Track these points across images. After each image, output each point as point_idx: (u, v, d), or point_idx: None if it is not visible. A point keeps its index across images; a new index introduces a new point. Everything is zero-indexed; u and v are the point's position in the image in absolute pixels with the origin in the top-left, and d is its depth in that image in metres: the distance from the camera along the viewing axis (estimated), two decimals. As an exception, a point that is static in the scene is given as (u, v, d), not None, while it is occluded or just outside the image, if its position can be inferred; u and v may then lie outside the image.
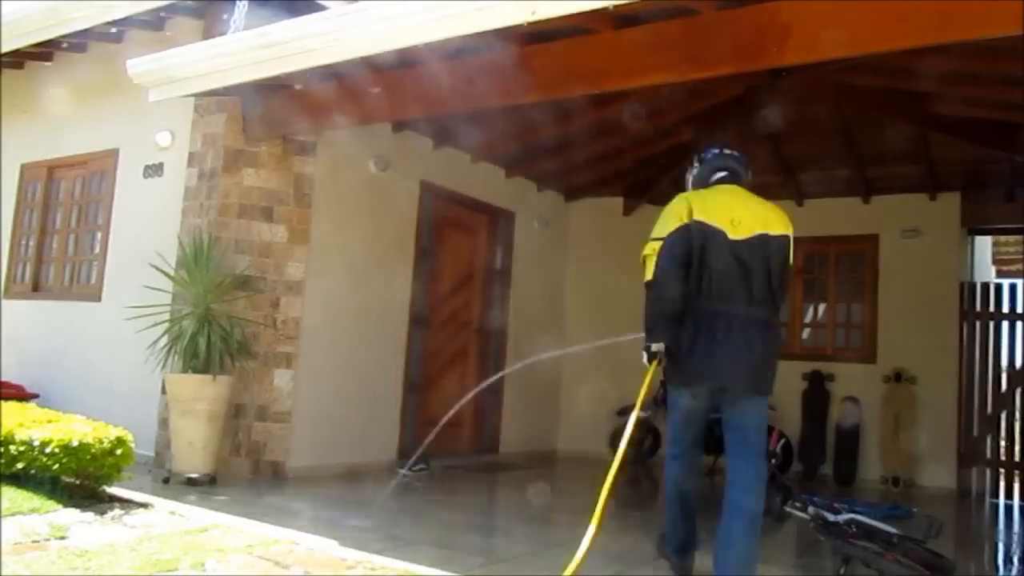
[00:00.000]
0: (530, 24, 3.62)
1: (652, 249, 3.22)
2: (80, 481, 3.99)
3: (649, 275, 3.21)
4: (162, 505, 4.15)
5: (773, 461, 4.56)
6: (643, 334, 3.27)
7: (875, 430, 7.57)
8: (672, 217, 3.24)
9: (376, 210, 6.46)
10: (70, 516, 3.63)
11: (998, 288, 7.69)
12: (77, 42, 6.51)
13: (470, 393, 5.28)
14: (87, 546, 3.21)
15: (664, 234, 3.21)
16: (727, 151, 3.55)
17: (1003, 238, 9.73)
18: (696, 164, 3.62)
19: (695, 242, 3.16)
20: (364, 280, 6.31)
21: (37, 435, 3.90)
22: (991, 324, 7.53)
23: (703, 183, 3.50)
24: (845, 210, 8.02)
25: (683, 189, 3.61)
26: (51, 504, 3.70)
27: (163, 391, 5.43)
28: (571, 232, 8.93)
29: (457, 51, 4.23)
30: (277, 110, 5.57)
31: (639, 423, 8.82)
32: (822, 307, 8.29)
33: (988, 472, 7.37)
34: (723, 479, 3.21)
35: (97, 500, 3.96)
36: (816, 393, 7.80)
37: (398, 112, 5.35)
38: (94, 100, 6.67)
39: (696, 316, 3.16)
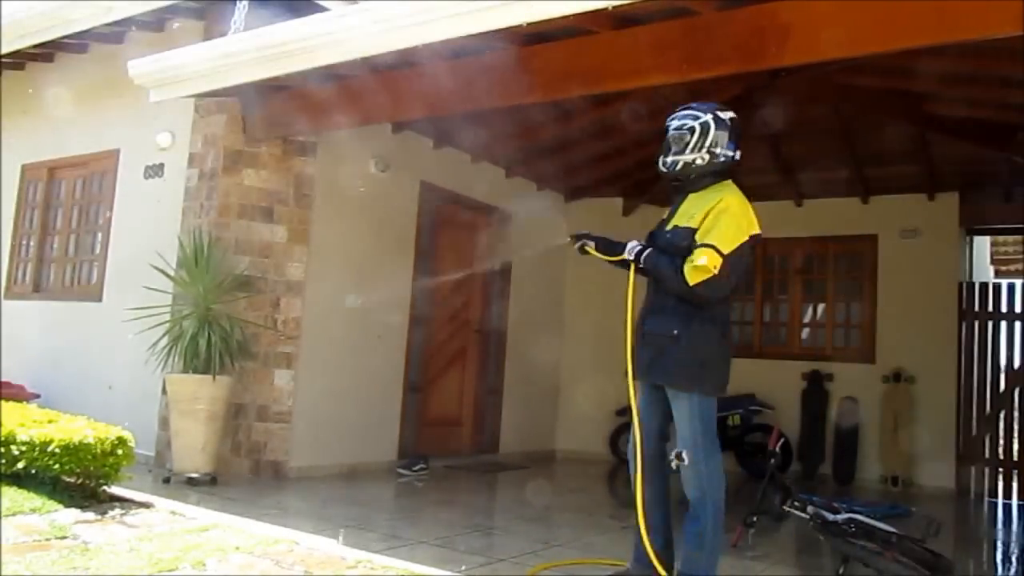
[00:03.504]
0: (530, 24, 3.64)
1: (713, 264, 3.00)
2: (81, 481, 3.99)
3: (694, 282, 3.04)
4: (163, 505, 4.15)
5: (772, 461, 4.56)
6: None
7: (874, 430, 7.58)
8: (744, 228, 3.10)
9: (376, 210, 6.47)
10: (71, 516, 3.63)
11: (996, 288, 7.70)
12: (78, 43, 6.52)
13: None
14: (88, 546, 3.21)
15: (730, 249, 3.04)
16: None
17: (1002, 238, 9.74)
18: (728, 130, 3.20)
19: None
20: (364, 280, 6.32)
21: (38, 435, 3.90)
22: (990, 324, 7.54)
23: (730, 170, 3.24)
24: (844, 210, 8.03)
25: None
26: (52, 504, 3.71)
27: (164, 391, 5.44)
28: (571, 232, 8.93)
29: (457, 52, 4.24)
30: (277, 110, 5.58)
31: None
32: (821, 307, 8.30)
33: (987, 471, 7.38)
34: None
35: (98, 500, 3.96)
36: (815, 393, 7.81)
37: (398, 113, 5.36)
38: (95, 101, 6.67)
39: (721, 321, 3.20)
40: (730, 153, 3.19)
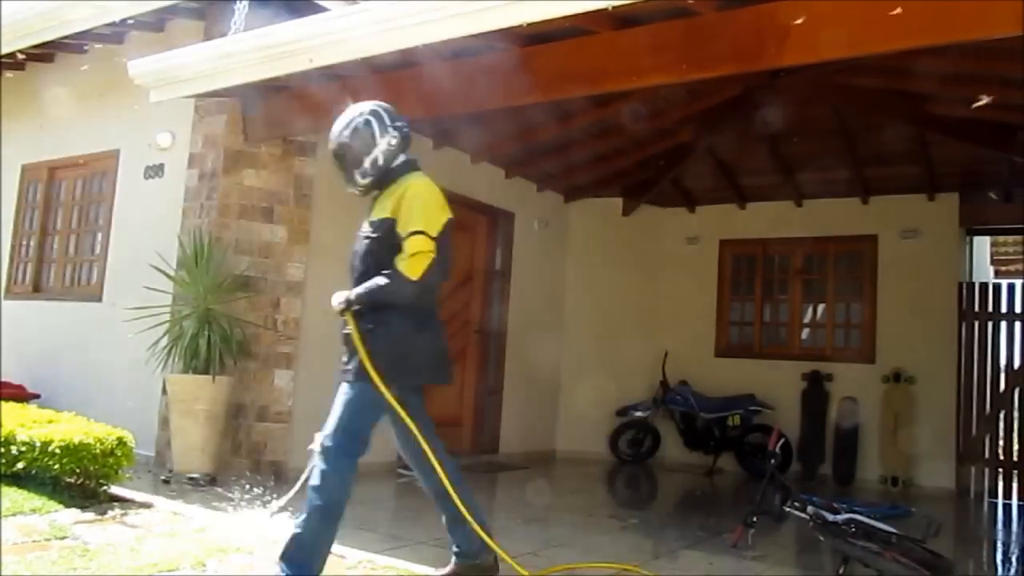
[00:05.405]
0: (530, 25, 3.63)
1: (427, 248, 3.07)
2: (81, 481, 4.00)
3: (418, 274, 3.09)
4: (163, 505, 4.16)
5: (772, 461, 4.56)
6: None
7: (874, 430, 7.58)
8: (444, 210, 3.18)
9: (376, 210, 6.46)
10: (71, 516, 3.64)
11: (996, 288, 7.70)
12: (78, 43, 6.51)
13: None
14: (88, 546, 3.22)
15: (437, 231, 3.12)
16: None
17: (1002, 238, 9.74)
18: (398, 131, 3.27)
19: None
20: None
21: (38, 435, 3.91)
22: (989, 324, 7.54)
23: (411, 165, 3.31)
24: (844, 210, 8.04)
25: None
26: (52, 504, 3.71)
27: (164, 391, 5.44)
28: (571, 232, 8.93)
29: (457, 52, 4.24)
30: (277, 111, 5.58)
31: (638, 423, 8.80)
32: (821, 307, 8.30)
33: (987, 472, 7.38)
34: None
35: (98, 500, 3.97)
36: (815, 393, 7.81)
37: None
38: (95, 101, 6.67)
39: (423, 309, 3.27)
40: (400, 124, 3.26)
